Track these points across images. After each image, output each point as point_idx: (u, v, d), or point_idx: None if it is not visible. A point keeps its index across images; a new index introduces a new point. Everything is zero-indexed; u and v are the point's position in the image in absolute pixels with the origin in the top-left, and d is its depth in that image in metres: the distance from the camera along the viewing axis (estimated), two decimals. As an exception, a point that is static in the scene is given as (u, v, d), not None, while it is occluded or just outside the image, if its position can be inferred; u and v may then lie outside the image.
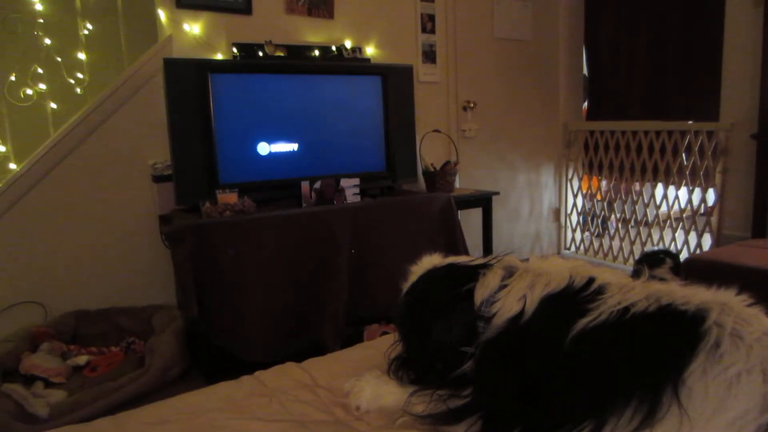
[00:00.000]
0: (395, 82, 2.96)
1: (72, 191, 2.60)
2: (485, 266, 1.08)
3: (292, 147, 2.73)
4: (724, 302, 0.81)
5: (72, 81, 3.02)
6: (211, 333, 2.29)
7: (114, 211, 2.71)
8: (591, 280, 0.93)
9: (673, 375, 0.73)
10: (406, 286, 1.19)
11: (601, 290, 0.90)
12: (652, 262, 2.90)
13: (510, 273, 1.04)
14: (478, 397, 0.95)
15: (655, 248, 3.61)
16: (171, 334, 2.34)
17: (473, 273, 1.06)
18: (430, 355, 1.05)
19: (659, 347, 0.78)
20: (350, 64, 2.92)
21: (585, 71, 4.37)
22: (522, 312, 0.94)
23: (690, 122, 3.50)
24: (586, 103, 4.41)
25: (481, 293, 1.02)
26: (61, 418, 1.86)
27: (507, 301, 0.98)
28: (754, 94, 3.16)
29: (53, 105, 2.92)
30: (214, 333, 2.29)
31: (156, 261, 2.78)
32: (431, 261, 1.19)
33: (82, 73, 3.02)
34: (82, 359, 2.29)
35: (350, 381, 1.13)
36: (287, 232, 2.43)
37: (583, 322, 0.84)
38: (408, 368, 1.11)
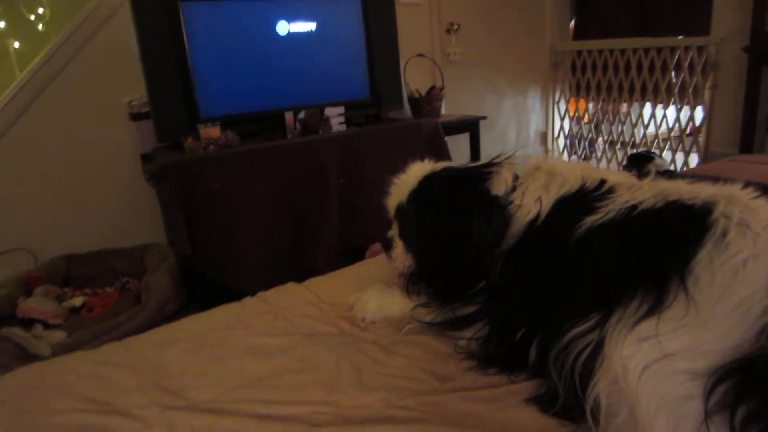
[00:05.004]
0: (376, 3, 2.84)
1: (47, 135, 2.51)
2: (492, 165, 1.04)
3: (273, 76, 2.63)
4: (731, 195, 0.81)
5: (32, 17, 2.84)
6: (204, 268, 2.29)
7: (94, 153, 2.63)
8: (602, 182, 0.92)
9: (680, 265, 0.73)
10: (399, 195, 1.10)
11: (611, 190, 0.89)
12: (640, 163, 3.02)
13: (516, 175, 1.02)
14: (488, 303, 0.95)
15: (641, 151, 3.62)
16: (165, 272, 2.34)
17: (482, 173, 1.02)
18: (467, 259, 0.96)
19: (666, 240, 0.79)
20: (329, -14, 2.79)
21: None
22: (538, 214, 0.93)
23: (680, 37, 3.44)
24: (573, 22, 4.29)
25: (499, 191, 0.98)
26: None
27: (525, 202, 0.95)
28: (746, 5, 3.08)
29: (16, 44, 2.76)
30: (208, 268, 2.30)
31: (141, 200, 2.74)
32: (423, 167, 1.11)
33: (42, 7, 2.84)
34: (78, 300, 2.30)
35: (354, 294, 1.14)
36: (274, 164, 2.39)
37: (590, 220, 0.84)
38: (429, 283, 1.05)
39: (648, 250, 0.79)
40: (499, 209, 0.95)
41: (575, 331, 0.77)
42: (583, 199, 0.90)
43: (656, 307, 0.72)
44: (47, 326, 2.11)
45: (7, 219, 2.48)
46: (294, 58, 2.66)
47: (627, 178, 0.94)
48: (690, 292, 0.71)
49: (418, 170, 1.11)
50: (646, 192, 0.86)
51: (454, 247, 0.98)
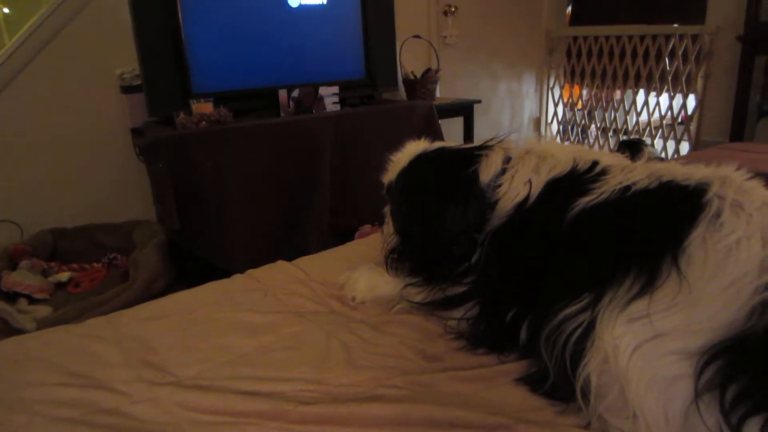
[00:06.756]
0: (373, -19, 2.80)
1: (36, 105, 2.46)
2: (483, 148, 1.03)
3: (268, 53, 2.59)
4: (725, 176, 0.80)
5: (22, -18, 2.77)
6: (194, 246, 2.27)
7: (83, 126, 2.59)
8: (595, 164, 0.91)
9: (674, 245, 0.72)
10: (392, 173, 1.11)
11: (604, 172, 0.88)
12: (633, 150, 2.99)
13: (508, 158, 1.01)
14: (478, 284, 0.94)
15: (633, 137, 3.65)
16: (154, 248, 2.32)
17: (472, 155, 1.01)
18: (439, 245, 0.98)
19: (660, 220, 0.78)
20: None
21: (569, -28, 4.20)
22: (528, 197, 0.92)
23: (675, 25, 3.42)
24: (569, 8, 4.26)
25: (486, 175, 0.98)
26: (50, 331, 1.86)
27: (513, 185, 0.94)
28: (742, -6, 3.08)
29: (5, 10, 2.70)
30: (198, 245, 2.28)
31: (131, 176, 2.70)
32: (417, 146, 1.11)
33: (32, -27, 2.77)
34: (64, 275, 2.27)
35: (345, 274, 1.13)
36: (267, 142, 2.36)
37: (583, 201, 0.83)
38: (406, 261, 1.05)
39: (641, 230, 0.78)
40: (477, 196, 0.95)
41: (567, 311, 0.77)
42: (576, 180, 0.89)
43: (648, 286, 0.71)
44: (32, 301, 2.09)
45: (-8, 191, 2.43)
46: (290, 35, 2.62)
47: (620, 160, 0.93)
48: (682, 271, 0.70)
49: (412, 149, 1.12)
50: (639, 173, 0.85)
51: (432, 229, 0.99)
